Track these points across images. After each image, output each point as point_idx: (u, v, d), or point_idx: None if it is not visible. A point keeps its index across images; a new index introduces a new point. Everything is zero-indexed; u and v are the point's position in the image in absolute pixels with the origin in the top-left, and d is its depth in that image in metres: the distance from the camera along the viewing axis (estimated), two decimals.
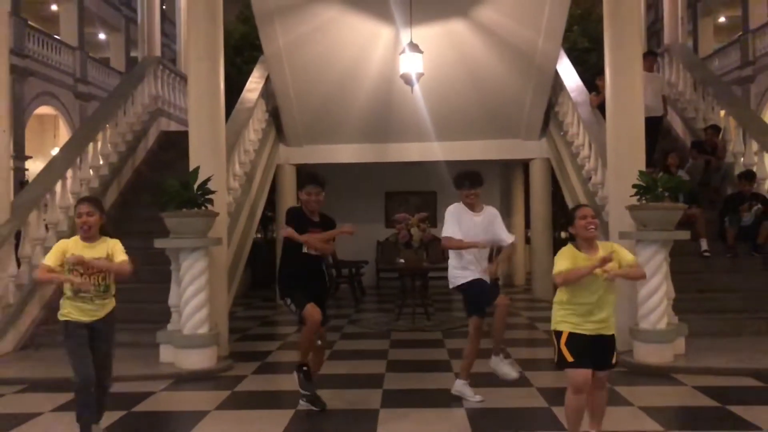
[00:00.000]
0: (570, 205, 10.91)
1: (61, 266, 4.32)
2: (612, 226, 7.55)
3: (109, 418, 5.24)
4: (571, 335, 4.08)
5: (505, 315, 5.64)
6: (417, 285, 10.50)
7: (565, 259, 4.11)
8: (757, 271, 8.78)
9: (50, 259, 4.35)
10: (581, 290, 4.07)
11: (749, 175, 9.13)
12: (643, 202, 6.87)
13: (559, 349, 4.12)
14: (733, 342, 7.48)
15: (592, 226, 4.13)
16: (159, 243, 7.06)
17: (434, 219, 15.32)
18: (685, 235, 6.96)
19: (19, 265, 8.11)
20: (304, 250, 5.38)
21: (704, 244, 8.95)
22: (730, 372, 6.42)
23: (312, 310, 5.21)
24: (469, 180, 5.70)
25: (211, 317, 7.12)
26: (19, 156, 17.35)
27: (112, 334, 4.61)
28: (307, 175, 5.73)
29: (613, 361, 4.19)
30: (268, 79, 11.43)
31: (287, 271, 5.51)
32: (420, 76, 9.76)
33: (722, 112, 10.70)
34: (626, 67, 7.42)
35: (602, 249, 4.17)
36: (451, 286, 5.74)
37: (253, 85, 11.23)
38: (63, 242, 4.44)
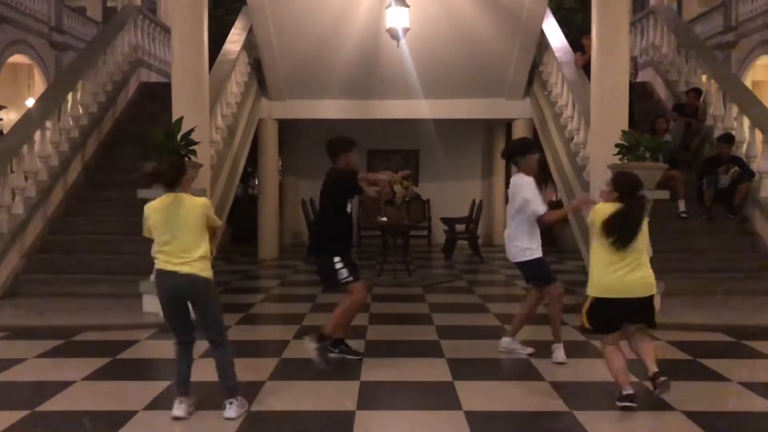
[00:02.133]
0: (552, 165, 11.00)
1: None
2: (593, 185, 7.64)
3: (95, 364, 5.31)
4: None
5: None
6: (399, 242, 10.58)
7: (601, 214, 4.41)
8: (731, 232, 8.98)
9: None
10: None
11: (728, 138, 9.26)
12: (625, 161, 6.95)
13: None
14: (707, 300, 7.69)
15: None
16: (142, 193, 7.00)
17: (416, 177, 15.46)
18: (663, 194, 7.08)
19: None
20: (349, 210, 5.42)
21: (682, 206, 9.11)
22: (703, 328, 6.62)
23: (364, 290, 5.41)
24: (537, 144, 5.56)
25: None
26: None
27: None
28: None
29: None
30: (250, 31, 11.25)
31: (343, 233, 5.44)
32: (406, 31, 9.69)
33: (704, 76, 10.77)
34: (613, 26, 7.44)
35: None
36: (520, 259, 5.45)
37: (236, 37, 11.06)
38: (148, 206, 4.38)
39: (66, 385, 4.75)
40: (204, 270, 4.20)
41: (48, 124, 9.09)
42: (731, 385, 4.95)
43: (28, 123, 8.87)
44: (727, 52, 19.48)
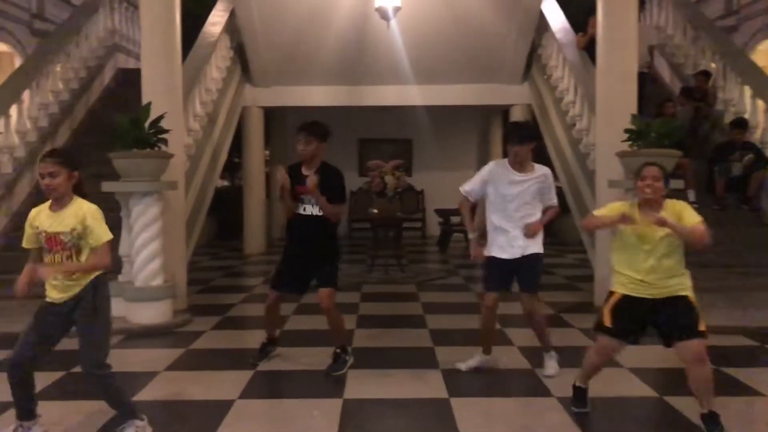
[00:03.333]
0: (552, 153, 10.42)
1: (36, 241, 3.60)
2: (599, 174, 7.08)
3: (47, 379, 4.71)
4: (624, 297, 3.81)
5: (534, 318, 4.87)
6: (390, 236, 10.01)
7: (608, 208, 3.83)
8: (745, 224, 8.43)
9: (26, 242, 3.65)
10: None
11: (741, 123, 8.69)
12: (635, 148, 6.38)
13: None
14: (720, 298, 7.11)
15: (649, 189, 3.64)
16: (107, 186, 6.43)
17: (409, 167, 14.87)
18: (678, 184, 6.49)
19: None
20: (298, 210, 4.83)
21: (692, 196, 8.53)
22: (720, 330, 6.02)
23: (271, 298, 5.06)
24: (518, 133, 4.77)
25: (167, 268, 6.56)
26: None
27: (91, 319, 3.60)
28: (303, 123, 5.08)
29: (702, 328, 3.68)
30: (233, 13, 10.60)
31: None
32: (397, 10, 9.08)
33: (713, 58, 10.19)
34: (621, 2, 6.82)
35: (667, 208, 3.67)
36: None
37: (217, 19, 10.39)
38: (32, 212, 3.64)
39: (3, 408, 4.14)
40: None
41: (13, 112, 8.46)
42: (763, 401, 4.38)
43: None
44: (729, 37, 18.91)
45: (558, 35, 10.06)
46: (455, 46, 10.77)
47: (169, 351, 5.61)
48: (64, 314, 3.56)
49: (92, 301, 3.54)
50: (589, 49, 9.11)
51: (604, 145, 6.95)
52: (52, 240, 3.49)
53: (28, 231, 3.62)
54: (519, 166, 4.77)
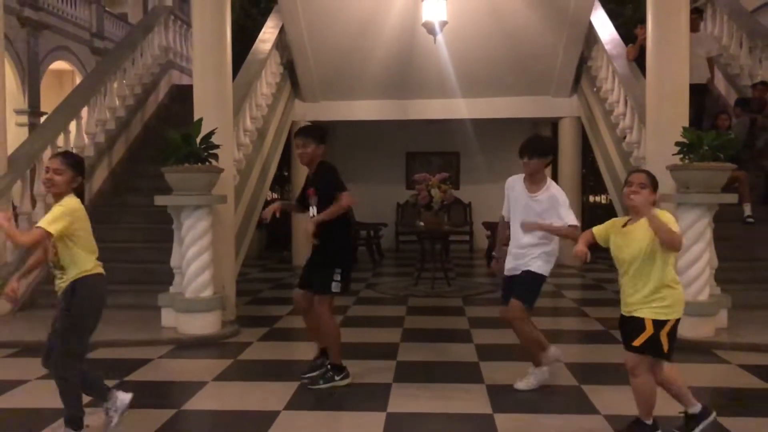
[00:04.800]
0: (602, 166, 10.26)
1: None
2: None
3: None
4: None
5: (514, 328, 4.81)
6: (437, 248, 9.99)
7: (605, 225, 3.91)
8: None
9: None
10: None
11: None
12: (686, 161, 6.24)
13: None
14: None
15: (633, 195, 3.66)
16: (160, 200, 6.62)
17: (456, 180, 14.83)
18: (732, 198, 6.35)
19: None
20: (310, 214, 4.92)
21: (748, 210, 8.29)
22: None
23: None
24: (526, 148, 4.71)
25: (216, 280, 6.69)
26: (35, 112, 17.01)
27: (61, 321, 3.75)
28: (299, 128, 5.23)
29: (634, 342, 3.65)
30: (282, 30, 10.81)
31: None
32: (443, 24, 9.10)
33: None
34: (672, 11, 6.69)
35: (642, 222, 3.66)
36: None
37: (267, 36, 10.61)
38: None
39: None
40: None
41: (71, 127, 8.79)
42: None
43: (49, 127, 8.58)
44: None
45: (607, 47, 9.93)
46: (502, 59, 10.73)
47: (217, 362, 5.71)
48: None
49: (68, 303, 3.71)
50: (638, 59, 8.97)
51: (654, 159, 6.80)
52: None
53: None
54: (529, 182, 4.74)
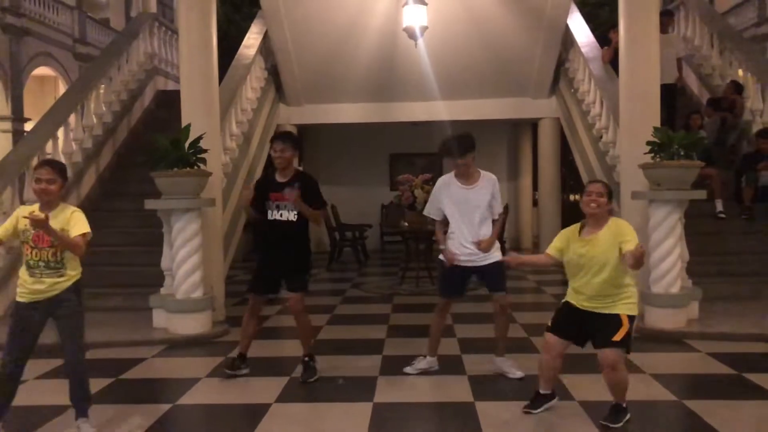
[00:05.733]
0: (580, 166, 10.55)
1: (14, 235, 3.91)
2: (624, 185, 7.21)
3: (96, 385, 5.00)
4: (564, 303, 4.17)
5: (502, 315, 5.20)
6: (421, 248, 10.21)
7: (559, 238, 4.17)
8: None
9: (2, 233, 3.92)
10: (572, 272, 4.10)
11: None
12: (657, 160, 6.51)
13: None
14: (749, 307, 7.17)
15: (594, 204, 3.98)
16: (150, 204, 6.79)
17: None
18: (701, 194, 6.62)
19: None
20: (269, 216, 5.05)
21: (719, 205, 8.59)
22: (746, 338, 6.13)
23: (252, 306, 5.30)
24: (457, 146, 4.94)
25: (206, 281, 6.87)
26: (18, 118, 17.03)
27: (72, 320, 3.94)
28: (275, 134, 5.44)
29: (614, 338, 3.89)
30: (266, 35, 11.00)
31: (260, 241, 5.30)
32: (424, 29, 9.34)
33: (740, 69, 10.23)
34: (642, 15, 6.97)
35: (606, 228, 3.98)
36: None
37: (251, 41, 10.80)
38: (22, 208, 3.97)
39: (60, 410, 4.44)
40: None
41: (59, 133, 8.92)
42: None
43: (38, 134, 8.70)
44: (762, 45, 18.76)
45: (584, 49, 10.22)
46: (482, 63, 11.00)
47: (209, 359, 5.90)
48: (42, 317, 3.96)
49: (77, 301, 3.96)
50: (614, 61, 9.25)
51: (627, 157, 7.09)
52: (40, 238, 3.82)
53: (10, 224, 3.90)
54: (463, 178, 5.01)
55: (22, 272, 3.90)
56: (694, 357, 5.72)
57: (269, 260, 5.20)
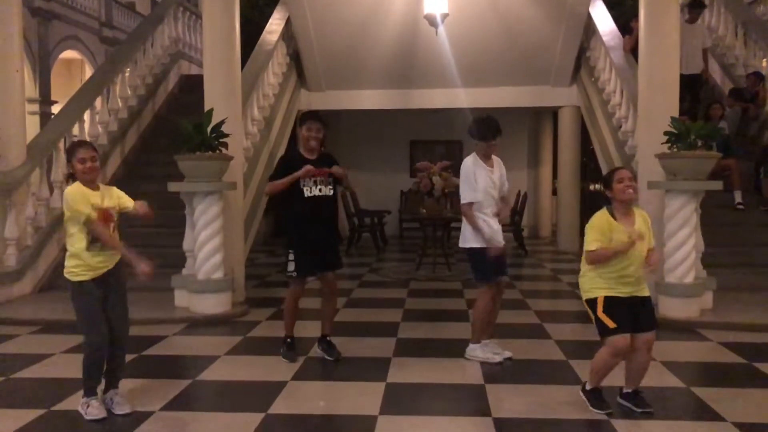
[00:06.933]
0: (599, 155, 10.55)
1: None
2: (641, 175, 7.21)
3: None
4: (607, 299, 3.95)
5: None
6: (438, 235, 10.32)
7: (597, 232, 3.97)
8: None
9: (88, 210, 3.93)
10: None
11: None
12: (674, 150, 6.53)
13: (597, 317, 3.97)
14: (764, 297, 7.19)
15: (630, 189, 3.99)
16: (173, 186, 6.95)
17: (457, 168, 15.11)
18: (716, 185, 6.62)
19: None
20: (307, 193, 5.07)
21: (738, 197, 8.59)
22: (759, 328, 6.16)
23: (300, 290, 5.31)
24: (490, 128, 5.03)
25: (227, 262, 7.03)
26: (46, 100, 17.35)
27: (125, 288, 4.21)
28: (308, 112, 5.55)
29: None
30: (289, 21, 11.10)
31: (293, 221, 5.16)
32: (445, 16, 9.38)
33: (765, 59, 10.14)
34: (662, 4, 6.97)
35: (638, 215, 4.05)
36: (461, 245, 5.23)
37: (274, 27, 10.90)
38: (77, 188, 3.96)
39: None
40: (66, 270, 4.06)
41: (86, 116, 9.13)
42: None
43: (65, 117, 8.92)
44: None
45: (605, 38, 10.18)
46: (503, 50, 11.01)
47: (228, 338, 6.07)
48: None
49: (124, 280, 4.22)
50: (635, 50, 9.22)
51: (645, 147, 7.11)
52: (106, 214, 4.00)
53: (86, 206, 3.91)
54: (487, 160, 5.10)
55: (86, 253, 3.95)
56: (706, 346, 5.77)
57: (314, 237, 5.08)
